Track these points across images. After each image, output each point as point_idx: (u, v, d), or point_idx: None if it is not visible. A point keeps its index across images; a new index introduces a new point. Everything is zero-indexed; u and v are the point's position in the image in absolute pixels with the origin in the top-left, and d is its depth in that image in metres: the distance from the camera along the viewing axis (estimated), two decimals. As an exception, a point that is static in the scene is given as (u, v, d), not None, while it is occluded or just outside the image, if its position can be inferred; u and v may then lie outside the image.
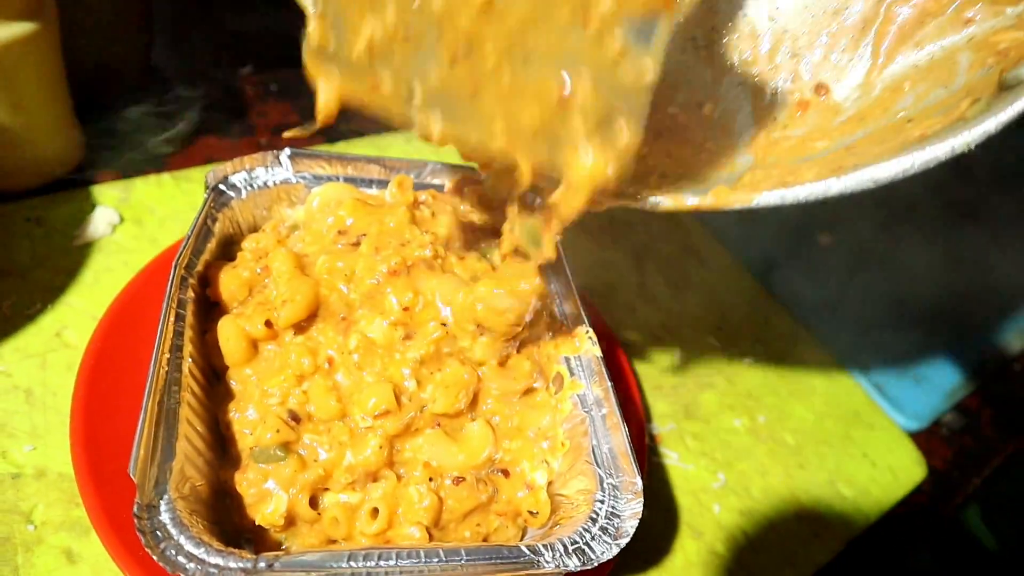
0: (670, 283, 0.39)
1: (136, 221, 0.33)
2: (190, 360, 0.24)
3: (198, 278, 0.27)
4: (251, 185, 0.29)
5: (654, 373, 0.35)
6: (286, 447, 0.25)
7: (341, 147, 0.41)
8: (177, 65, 0.42)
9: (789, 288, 0.42)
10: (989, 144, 0.22)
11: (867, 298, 0.44)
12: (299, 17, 0.45)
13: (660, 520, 0.30)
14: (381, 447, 0.25)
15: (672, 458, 0.32)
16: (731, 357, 0.37)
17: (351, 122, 0.43)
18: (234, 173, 0.29)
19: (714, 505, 0.31)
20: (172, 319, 0.24)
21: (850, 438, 0.36)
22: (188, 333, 0.25)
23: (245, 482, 0.24)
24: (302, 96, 0.43)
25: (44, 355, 0.28)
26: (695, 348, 0.37)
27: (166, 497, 0.20)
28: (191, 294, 0.26)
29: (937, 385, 0.40)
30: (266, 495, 0.24)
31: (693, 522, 0.30)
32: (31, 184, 0.33)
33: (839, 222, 0.48)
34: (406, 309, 0.26)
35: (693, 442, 0.33)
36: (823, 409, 0.36)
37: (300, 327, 0.26)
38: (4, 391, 0.26)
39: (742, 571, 0.29)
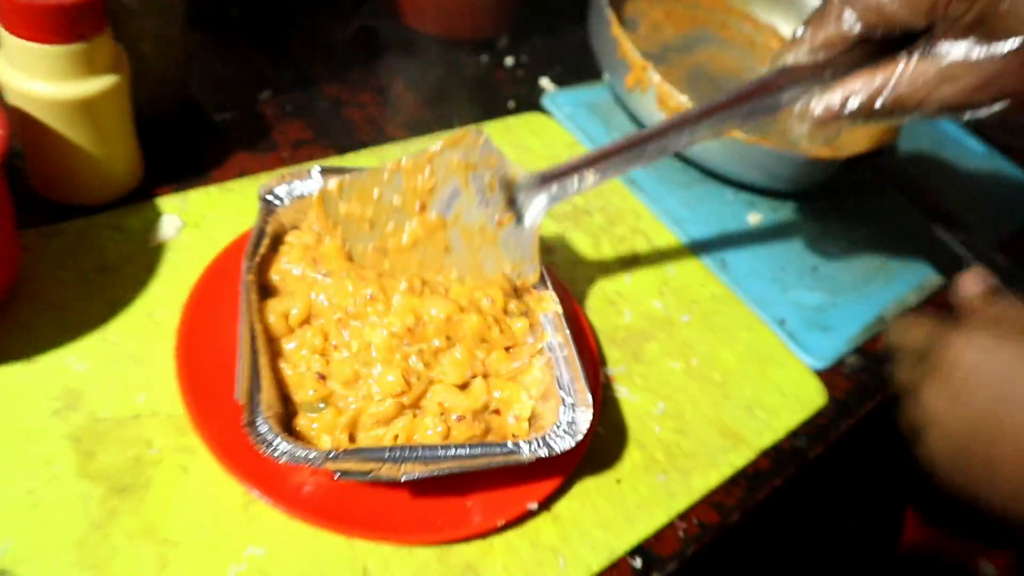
0: (621, 258, 0.49)
1: (195, 225, 0.42)
2: (258, 326, 0.33)
3: (256, 269, 0.35)
4: (291, 195, 0.38)
5: (609, 329, 0.44)
6: (326, 399, 0.34)
7: (351, 158, 0.49)
8: (210, 95, 0.50)
9: (721, 259, 0.51)
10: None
11: (786, 265, 0.53)
12: (307, 48, 0.54)
13: (613, 437, 0.39)
14: (396, 407, 0.34)
15: (623, 392, 0.41)
16: (670, 315, 0.46)
17: (356, 135, 0.52)
18: (278, 185, 0.38)
19: (655, 426, 0.40)
20: (244, 296, 0.33)
21: (766, 375, 0.45)
22: (254, 308, 0.34)
23: (299, 426, 0.33)
24: (312, 114, 0.52)
25: (142, 330, 0.36)
26: (642, 309, 0.46)
27: (260, 416, 0.29)
28: (251, 278, 0.35)
29: (841, 333, 0.50)
30: (317, 435, 0.33)
31: (639, 438, 0.39)
32: (109, 198, 0.41)
33: (767, 203, 0.57)
34: (410, 329, 0.34)
35: (640, 380, 0.42)
36: (745, 353, 0.46)
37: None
38: (116, 357, 0.35)
39: (676, 471, 0.38)
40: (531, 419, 0.34)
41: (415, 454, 0.30)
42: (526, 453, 0.31)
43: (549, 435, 0.32)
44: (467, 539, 0.33)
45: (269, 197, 0.37)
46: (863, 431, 0.47)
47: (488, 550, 0.33)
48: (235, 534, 0.31)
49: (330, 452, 0.29)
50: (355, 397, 0.33)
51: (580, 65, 0.62)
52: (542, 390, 0.35)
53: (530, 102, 0.59)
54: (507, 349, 0.36)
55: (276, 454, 0.28)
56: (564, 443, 0.31)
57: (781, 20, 0.70)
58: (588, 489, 0.36)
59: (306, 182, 0.38)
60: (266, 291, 0.36)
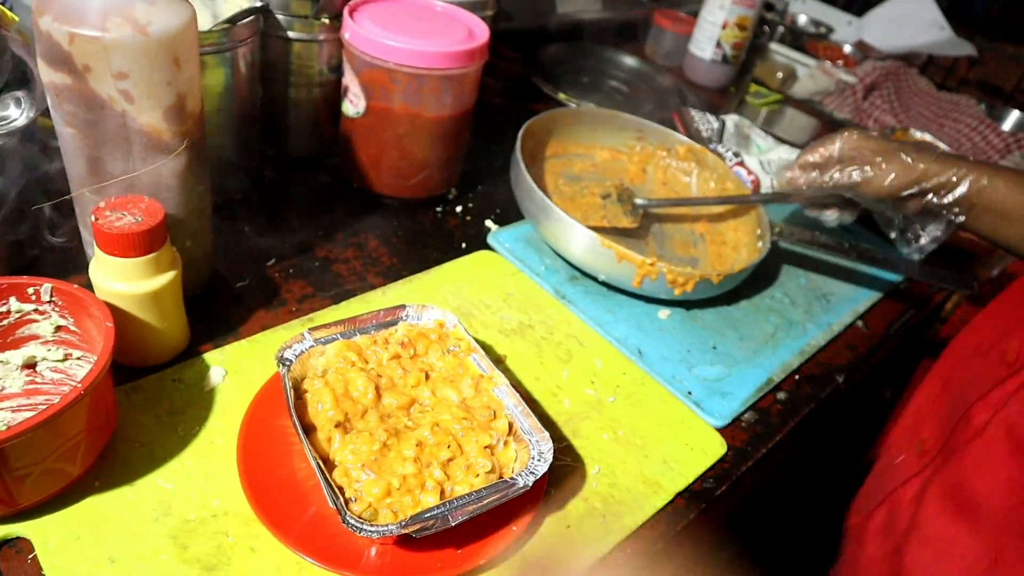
0: (559, 358, 0.63)
1: (234, 372, 0.55)
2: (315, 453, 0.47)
3: (296, 413, 0.48)
4: (295, 354, 0.51)
5: (553, 414, 0.58)
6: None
7: (344, 305, 0.63)
8: (230, 268, 0.65)
9: (638, 349, 0.66)
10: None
11: (691, 347, 0.68)
12: (299, 218, 0.67)
13: (562, 495, 0.52)
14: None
15: (567, 461, 0.55)
16: (600, 398, 0.60)
17: (345, 285, 0.66)
18: (287, 349, 0.51)
19: (593, 483, 0.53)
20: (299, 435, 0.46)
21: (678, 436, 0.59)
22: (306, 441, 0.47)
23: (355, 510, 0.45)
24: (310, 273, 0.66)
25: (209, 454, 0.49)
26: (577, 396, 0.60)
27: (347, 514, 0.42)
28: (296, 421, 0.48)
29: (737, 396, 0.64)
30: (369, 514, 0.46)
31: (582, 493, 0.52)
32: (170, 358, 0.55)
33: (674, 304, 0.72)
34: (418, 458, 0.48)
35: (579, 450, 0.55)
36: (661, 421, 0.60)
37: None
38: (192, 476, 0.48)
39: (612, 515, 0.52)
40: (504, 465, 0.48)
41: (457, 504, 0.43)
42: (521, 483, 0.44)
43: (530, 465, 0.45)
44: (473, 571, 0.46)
45: (284, 355, 0.51)
46: (759, 469, 0.61)
47: (477, 583, 0.46)
48: (296, 589, 0.44)
49: (401, 522, 0.41)
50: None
51: (515, 205, 0.78)
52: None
53: (479, 241, 0.75)
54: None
55: (369, 533, 0.41)
56: (542, 467, 0.45)
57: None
58: (544, 535, 0.50)
59: (304, 343, 0.51)
60: (306, 426, 0.49)
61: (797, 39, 1.52)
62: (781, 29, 1.53)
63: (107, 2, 0.46)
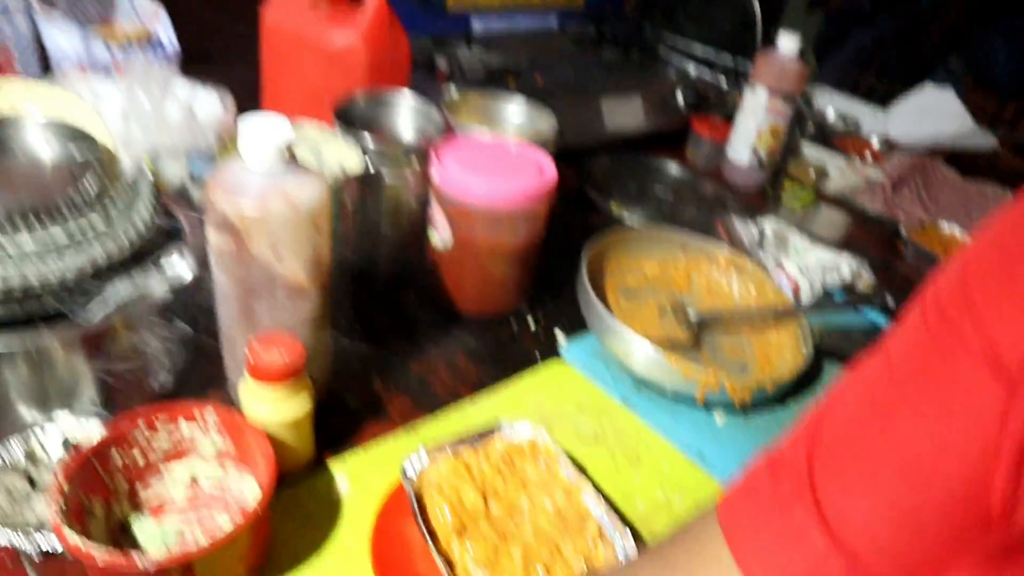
0: (631, 463, 0.71)
1: (355, 480, 0.64)
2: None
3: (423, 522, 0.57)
4: (415, 470, 0.60)
5: (629, 515, 0.66)
6: None
7: (441, 416, 0.73)
8: (341, 385, 0.75)
9: (700, 451, 0.74)
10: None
11: (747, 449, 0.76)
12: (396, 337, 0.76)
13: None
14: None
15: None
16: (669, 500, 0.68)
17: (439, 399, 0.76)
18: (407, 464, 0.60)
19: None
20: (429, 545, 0.55)
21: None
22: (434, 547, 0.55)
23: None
24: (408, 388, 0.75)
25: (343, 556, 0.58)
26: (648, 497, 0.68)
27: None
28: (425, 530, 0.57)
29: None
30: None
31: None
32: (303, 469, 0.65)
33: (728, 407, 0.80)
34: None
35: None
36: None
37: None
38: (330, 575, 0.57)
39: None
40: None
41: None
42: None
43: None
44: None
45: (405, 467, 0.60)
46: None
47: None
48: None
49: None
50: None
51: (580, 313, 0.88)
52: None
53: (551, 348, 0.84)
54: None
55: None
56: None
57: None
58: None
59: (420, 458, 0.61)
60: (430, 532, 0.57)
61: (826, 135, 1.61)
62: (811, 126, 1.63)
63: (266, 183, 0.57)
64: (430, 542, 0.54)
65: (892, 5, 3.29)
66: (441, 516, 0.56)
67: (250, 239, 0.58)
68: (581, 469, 0.69)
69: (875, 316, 0.99)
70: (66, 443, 0.61)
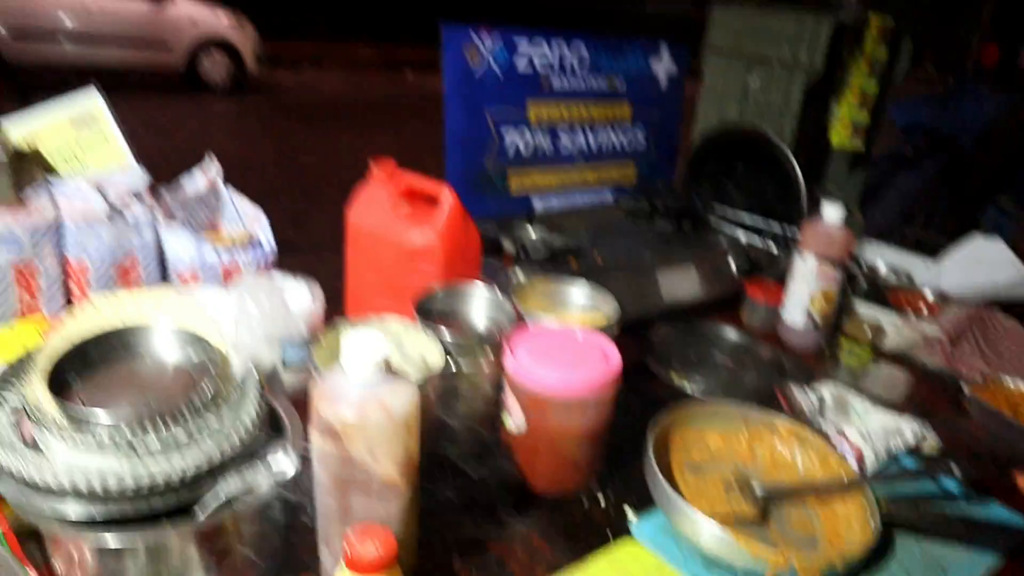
0: None
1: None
2: None
3: None
4: None
5: None
6: None
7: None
8: (427, 566, 0.79)
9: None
10: None
11: None
12: (478, 519, 0.80)
13: None
14: None
15: None
16: None
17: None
18: None
19: None
20: None
21: None
22: None
23: None
24: (489, 568, 0.79)
25: None
26: None
27: None
28: None
29: None
30: None
31: None
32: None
33: None
34: None
35: None
36: None
37: None
38: None
39: None
40: None
41: None
42: None
43: None
44: None
45: None
46: None
47: None
48: None
49: None
50: None
51: (648, 490, 0.91)
52: None
53: (622, 528, 0.87)
54: None
55: None
56: None
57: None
58: None
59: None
60: None
61: (879, 290, 1.65)
62: (863, 283, 1.68)
63: (365, 392, 0.65)
64: None
65: (935, 149, 3.38)
66: None
67: (349, 442, 0.65)
68: (657, 654, 0.71)
69: (945, 482, 1.00)
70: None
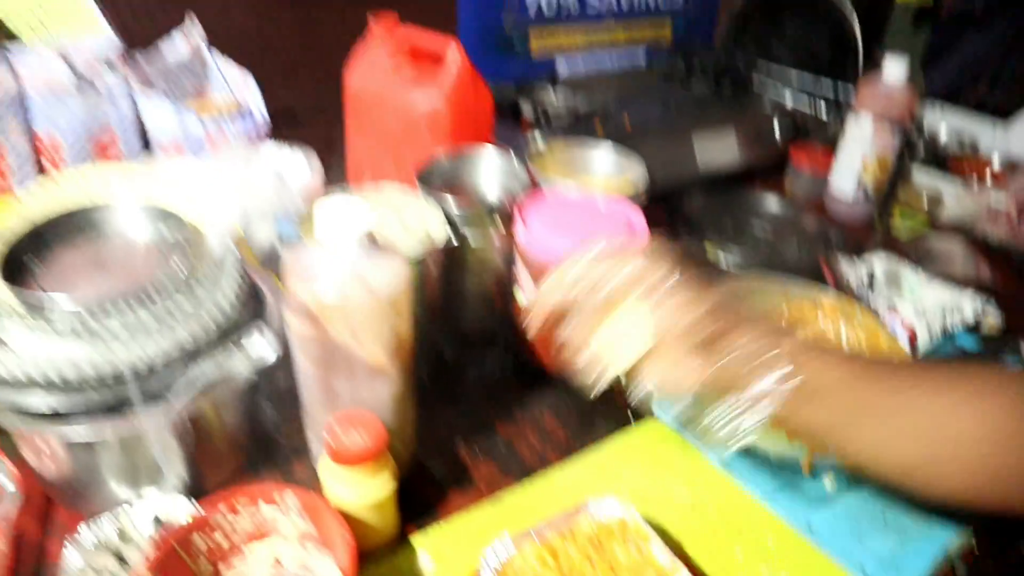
0: (732, 538, 0.67)
1: (439, 557, 0.62)
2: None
3: None
4: (500, 560, 0.57)
5: None
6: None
7: (526, 484, 0.70)
8: (424, 451, 0.73)
9: (808, 524, 0.68)
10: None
11: (860, 516, 0.69)
12: (483, 398, 0.74)
13: None
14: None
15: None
16: None
17: (527, 465, 0.73)
18: (489, 555, 0.57)
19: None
20: None
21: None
22: None
23: None
24: (495, 453, 0.73)
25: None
26: None
27: None
28: None
29: (912, 573, 0.65)
30: None
31: None
32: (387, 544, 0.63)
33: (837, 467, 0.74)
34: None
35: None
36: None
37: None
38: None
39: None
40: None
41: None
42: None
43: None
44: None
45: (488, 562, 0.57)
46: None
47: None
48: None
49: None
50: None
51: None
52: None
53: (644, 410, 0.80)
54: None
55: None
56: None
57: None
58: None
59: (504, 543, 0.58)
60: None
61: (939, 157, 1.51)
62: (922, 149, 1.53)
63: (346, 272, 0.57)
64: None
65: (1007, 7, 3.08)
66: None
67: (329, 325, 0.57)
68: (676, 547, 0.65)
69: (1009, 362, 0.90)
70: (156, 520, 0.62)
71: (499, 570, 0.56)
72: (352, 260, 0.57)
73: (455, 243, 0.78)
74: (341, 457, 0.58)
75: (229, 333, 0.65)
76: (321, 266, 0.57)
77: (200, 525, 0.56)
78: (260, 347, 0.64)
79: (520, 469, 0.73)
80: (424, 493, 0.69)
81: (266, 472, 0.70)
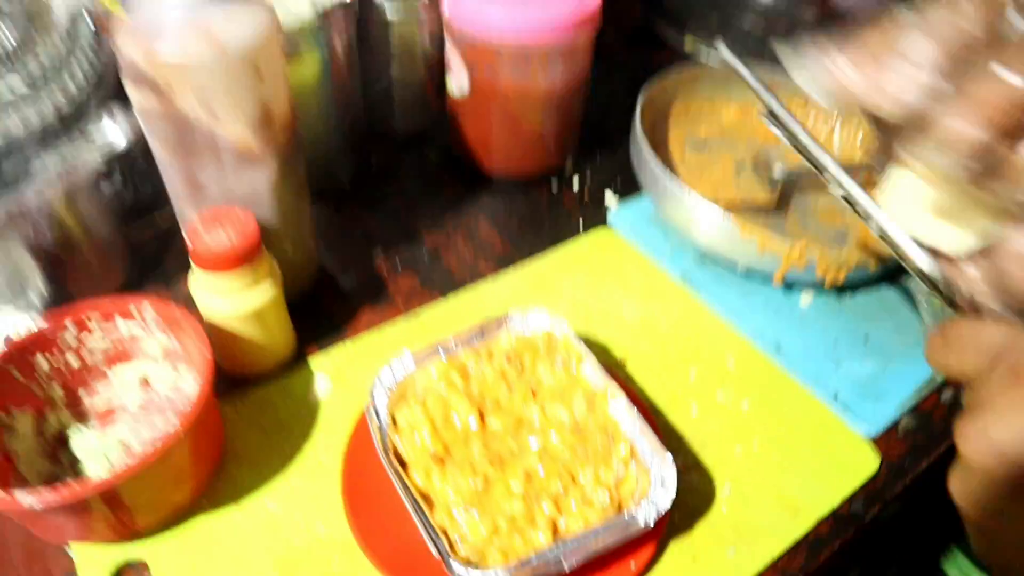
0: (686, 358, 0.57)
1: (339, 380, 0.53)
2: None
3: (391, 449, 0.46)
4: (395, 380, 0.48)
5: (678, 424, 0.53)
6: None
7: (451, 299, 0.60)
8: (334, 262, 0.63)
9: (776, 343, 0.59)
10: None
11: (839, 338, 0.60)
12: (407, 206, 0.65)
13: (686, 521, 0.47)
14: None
15: (693, 480, 0.49)
16: (732, 405, 0.54)
17: (454, 278, 0.63)
18: (384, 369, 0.48)
19: (723, 506, 0.48)
20: (392, 475, 0.43)
21: (822, 448, 0.52)
22: (403, 477, 0.44)
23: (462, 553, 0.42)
24: (418, 265, 0.63)
25: (314, 474, 0.48)
26: (706, 402, 0.54)
27: (453, 560, 0.39)
28: (392, 458, 0.45)
29: (894, 398, 0.56)
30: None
31: (709, 519, 0.47)
32: (274, 368, 0.54)
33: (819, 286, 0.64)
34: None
35: (707, 467, 0.50)
36: (801, 430, 0.53)
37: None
38: (297, 497, 0.47)
39: (743, 544, 0.46)
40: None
41: (571, 546, 0.40)
42: (642, 521, 0.41)
43: (651, 495, 0.42)
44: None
45: (382, 381, 0.48)
46: (918, 488, 0.53)
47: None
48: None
49: (510, 568, 0.39)
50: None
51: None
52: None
53: (599, 217, 0.69)
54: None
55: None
56: (664, 499, 0.42)
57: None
58: (667, 567, 0.45)
59: (403, 361, 0.48)
60: (401, 460, 0.45)
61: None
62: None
63: (182, 20, 0.43)
64: (394, 478, 0.42)
65: None
66: (419, 439, 0.45)
67: (173, 93, 0.45)
68: (618, 367, 0.56)
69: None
70: (7, 341, 0.52)
71: (393, 390, 0.47)
72: (196, 7, 0.43)
73: (357, 8, 0.63)
74: (203, 260, 0.47)
75: (78, 118, 0.52)
76: (158, 18, 0.44)
77: (39, 342, 0.47)
78: (109, 132, 0.52)
79: (446, 283, 0.62)
80: (330, 310, 0.59)
81: (152, 290, 0.60)
